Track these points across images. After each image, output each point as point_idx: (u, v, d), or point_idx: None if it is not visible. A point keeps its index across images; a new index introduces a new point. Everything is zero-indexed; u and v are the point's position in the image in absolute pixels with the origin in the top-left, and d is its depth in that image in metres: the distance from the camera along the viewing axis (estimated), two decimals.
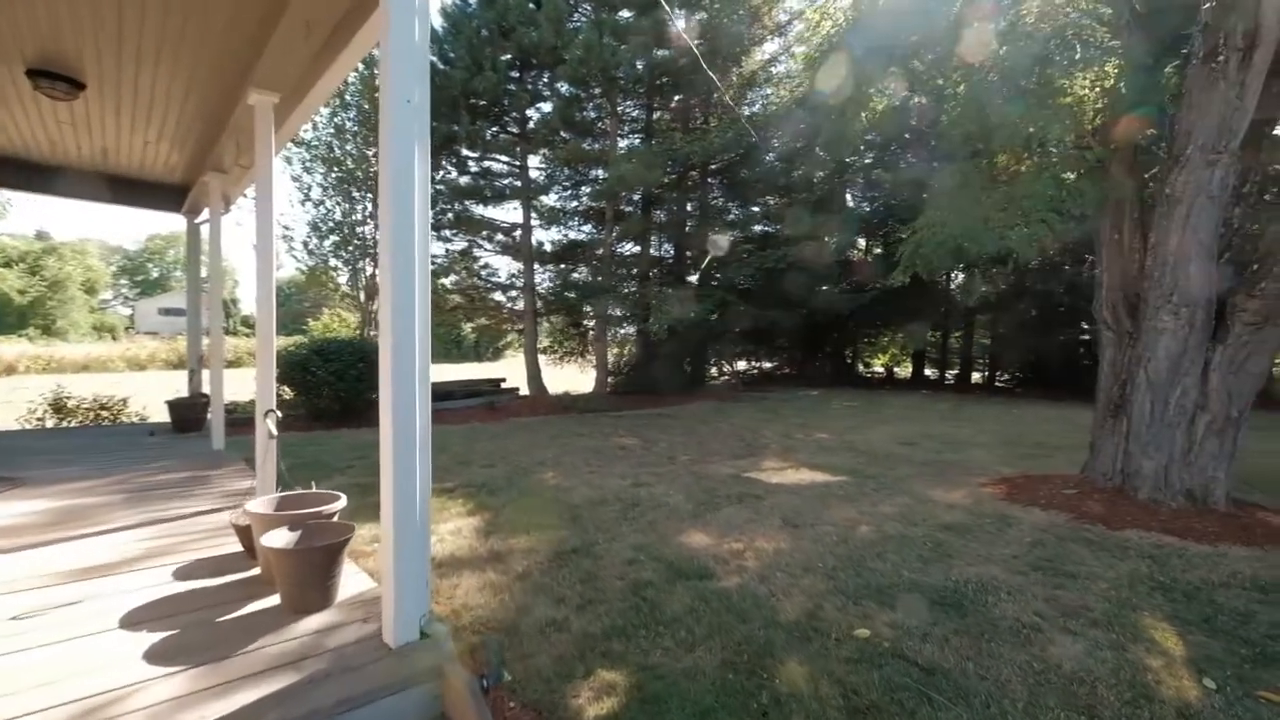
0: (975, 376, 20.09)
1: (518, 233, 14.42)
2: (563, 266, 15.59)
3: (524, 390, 14.10)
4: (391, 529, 1.87)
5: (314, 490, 2.65)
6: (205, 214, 7.08)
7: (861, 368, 22.88)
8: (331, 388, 9.01)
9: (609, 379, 14.92)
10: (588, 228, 16.29)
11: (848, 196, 20.78)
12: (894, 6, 6.32)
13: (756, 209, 17.22)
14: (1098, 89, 5.30)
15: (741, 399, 14.93)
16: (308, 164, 12.35)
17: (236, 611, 2.14)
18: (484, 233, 14.36)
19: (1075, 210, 5.56)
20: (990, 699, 2.33)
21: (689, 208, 16.58)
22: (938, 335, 21.09)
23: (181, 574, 2.56)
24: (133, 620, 2.14)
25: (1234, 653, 2.72)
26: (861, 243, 21.92)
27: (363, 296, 12.80)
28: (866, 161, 20.41)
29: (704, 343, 16.63)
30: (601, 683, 2.40)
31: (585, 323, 15.79)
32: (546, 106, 13.87)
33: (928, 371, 21.41)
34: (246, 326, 50.82)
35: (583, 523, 4.47)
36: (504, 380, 14.69)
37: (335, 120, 12.13)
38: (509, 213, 15.50)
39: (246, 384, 13.96)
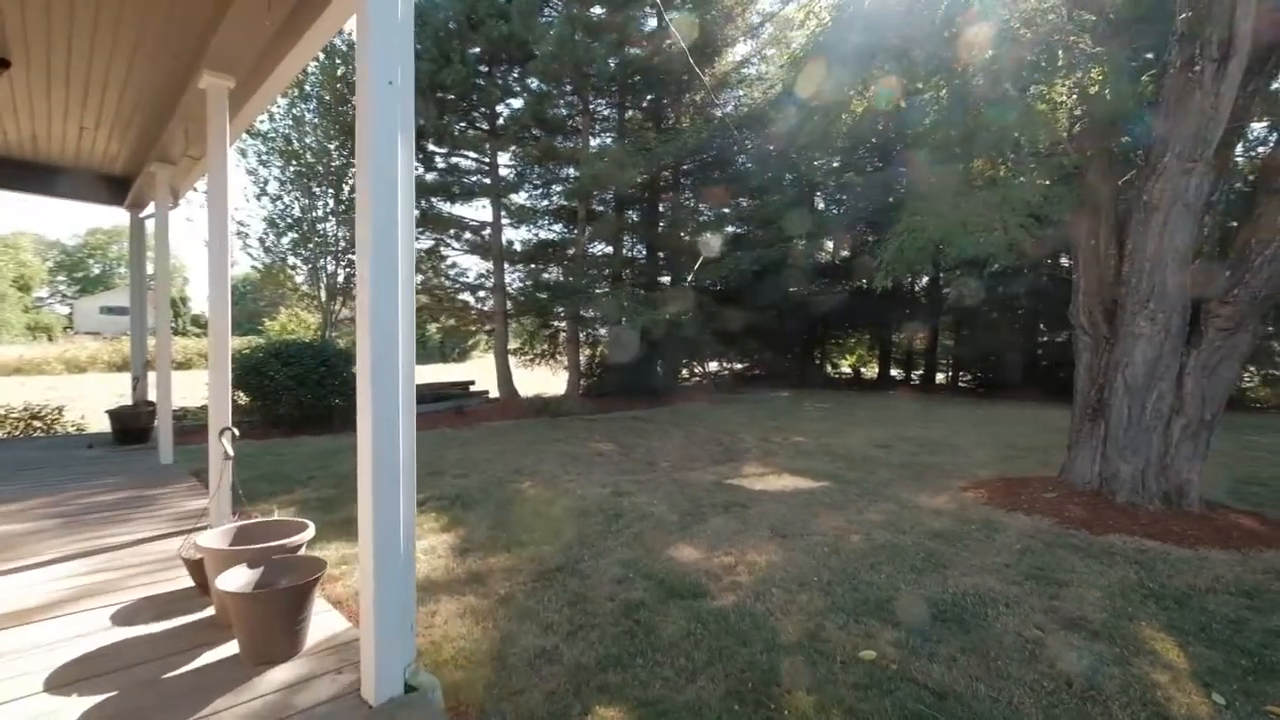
0: (939, 377, 20.54)
1: (487, 231, 14.04)
2: (533, 266, 15.26)
3: (494, 393, 13.74)
4: (371, 567, 1.64)
5: (277, 518, 2.37)
6: (150, 208, 6.59)
7: (830, 369, 23.17)
8: (291, 393, 8.54)
9: (581, 381, 14.68)
10: (558, 227, 16.00)
11: (817, 200, 21.03)
12: (880, 8, 6.30)
13: (728, 210, 17.22)
14: (1074, 96, 5.35)
15: (715, 401, 14.90)
16: (264, 156, 11.73)
17: (187, 665, 1.85)
18: (452, 231, 13.93)
19: (1052, 216, 5.62)
20: None
21: (661, 209, 16.46)
22: (903, 337, 21.50)
23: (122, 617, 2.23)
24: (61, 681, 1.82)
25: (1235, 664, 2.70)
26: (830, 245, 22.22)
27: (324, 296, 12.24)
28: (835, 165, 20.75)
29: (676, 344, 16.54)
30: None
31: (556, 324, 15.50)
32: (517, 102, 13.54)
33: (894, 372, 21.81)
34: (197, 326, 48.63)
35: (565, 537, 4.26)
36: (473, 383, 14.30)
37: (294, 111, 11.56)
38: (478, 211, 15.14)
39: (196, 388, 13.21)
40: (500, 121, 13.37)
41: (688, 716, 2.26)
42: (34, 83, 3.67)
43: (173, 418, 5.55)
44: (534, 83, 13.21)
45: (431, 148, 13.00)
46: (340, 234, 12.12)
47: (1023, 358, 17.43)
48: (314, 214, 11.81)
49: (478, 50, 12.16)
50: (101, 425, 8.43)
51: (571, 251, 14.78)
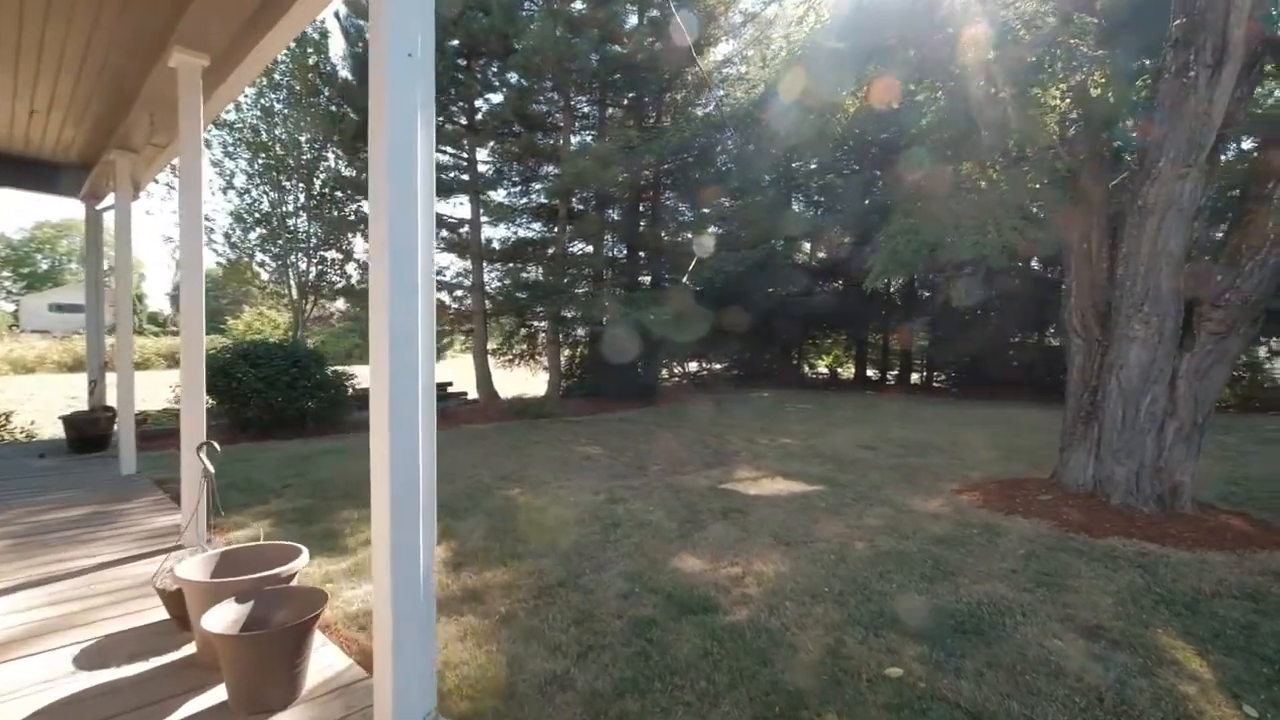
0: (914, 378, 20.84)
1: (464, 229, 13.71)
2: (513, 265, 14.97)
3: (473, 395, 13.42)
4: (389, 605, 1.44)
5: (265, 542, 2.14)
6: (109, 199, 6.17)
7: (807, 369, 23.34)
8: (261, 396, 8.14)
9: (561, 382, 14.44)
10: (538, 226, 15.73)
11: (797, 202, 21.16)
12: (878, 6, 6.26)
13: (708, 211, 17.16)
14: (1068, 100, 5.37)
15: (696, 402, 14.82)
16: (230, 148, 11.20)
17: (168, 717, 1.62)
18: None
19: (1045, 219, 5.65)
20: None
21: (642, 208, 16.32)
22: (879, 338, 21.77)
23: (88, 659, 1.95)
24: None
25: (1257, 672, 2.67)
26: (807, 247, 22.38)
27: (294, 294, 11.76)
28: (813, 167, 20.90)
29: (657, 345, 16.44)
30: None
31: (536, 324, 15.22)
32: (496, 97, 13.24)
33: (870, 373, 22.06)
34: (154, 324, 46.74)
35: (563, 549, 4.08)
36: (450, 384, 13.94)
37: (262, 102, 11.06)
38: (454, 208, 14.76)
39: (156, 390, 12.56)
40: (479, 117, 13.06)
41: None
42: None
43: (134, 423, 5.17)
44: (514, 77, 12.93)
45: None
46: (312, 230, 11.66)
47: (997, 359, 17.78)
48: (284, 209, 11.32)
49: (457, 43, 11.85)
50: (54, 431, 7.91)
51: (551, 250, 14.52)
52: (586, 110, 15.20)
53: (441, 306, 14.55)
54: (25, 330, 42.39)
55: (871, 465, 7.06)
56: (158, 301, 56.83)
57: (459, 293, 14.39)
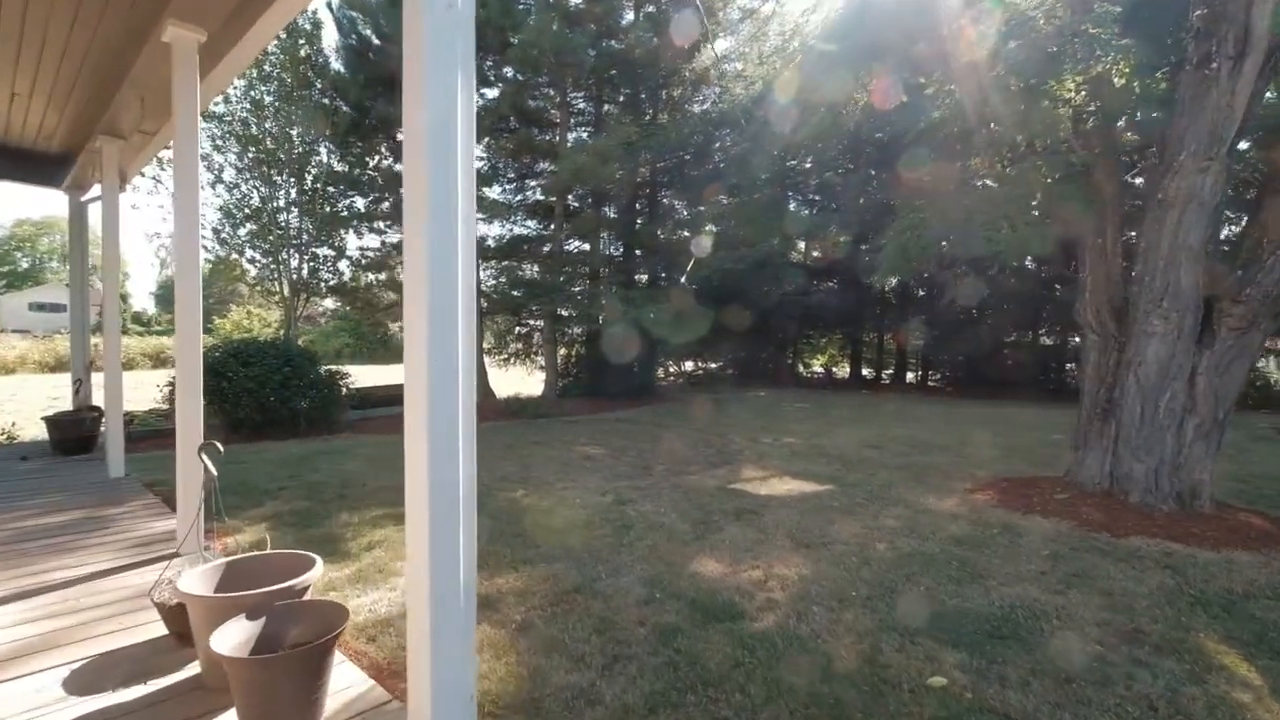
0: (909, 376, 20.87)
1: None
2: (507, 264, 14.77)
3: None
4: (428, 626, 1.29)
5: (273, 551, 1.97)
6: (95, 190, 5.93)
7: (801, 368, 23.30)
8: (253, 395, 7.91)
9: (558, 381, 14.26)
10: (532, 223, 15.55)
11: (794, 201, 21.09)
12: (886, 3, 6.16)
13: (704, 209, 17.05)
14: (1082, 93, 5.29)
15: (693, 401, 14.70)
16: (219, 141, 10.91)
17: None
18: None
19: (1058, 213, 5.57)
20: None
21: (638, 206, 16.17)
22: (873, 336, 21.77)
23: (81, 681, 1.75)
24: None
25: None
26: (802, 245, 22.33)
27: (286, 291, 11.49)
28: (808, 165, 20.85)
29: (653, 344, 16.31)
30: None
31: (532, 323, 15.03)
32: (492, 92, 13.04)
33: (864, 371, 22.06)
34: (139, 324, 45.95)
35: (575, 552, 3.93)
36: None
37: (252, 94, 10.78)
38: None
39: (142, 389, 12.25)
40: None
41: None
42: None
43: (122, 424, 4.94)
44: (509, 72, 12.75)
45: (401, 136, 12.40)
46: (304, 225, 11.40)
47: (992, 358, 17.80)
48: (274, 204, 11.06)
49: None
50: (36, 433, 7.64)
51: (548, 248, 14.34)
52: (582, 107, 15.03)
53: None
54: (5, 330, 41.50)
55: (878, 464, 6.96)
56: (141, 301, 55.92)
57: None
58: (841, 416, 11.75)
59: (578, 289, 13.88)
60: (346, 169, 11.57)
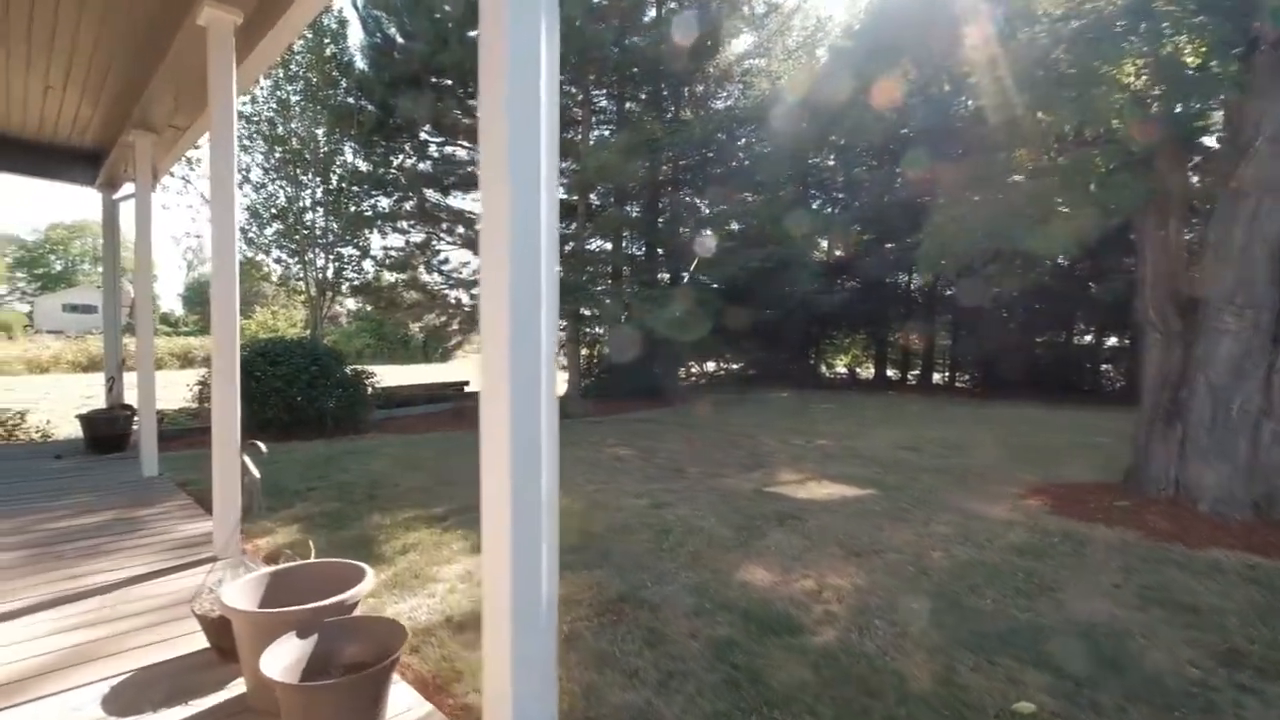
0: (936, 377, 20.41)
1: (479, 224, 13.42)
2: None
3: None
4: (509, 641, 1.14)
5: (319, 560, 1.84)
6: (126, 189, 5.92)
7: (825, 369, 22.95)
8: (280, 395, 7.89)
9: (581, 381, 14.15)
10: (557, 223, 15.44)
11: (817, 199, 20.78)
12: None
13: (727, 208, 16.82)
14: (1144, 77, 5.01)
15: (717, 402, 14.49)
16: (246, 141, 10.96)
17: None
18: (445, 225, 13.28)
19: (1112, 205, 5.29)
20: None
21: (661, 204, 16.00)
22: (898, 336, 21.34)
23: (121, 700, 1.62)
24: None
25: None
26: (825, 244, 21.97)
27: (312, 291, 11.51)
28: (831, 163, 20.50)
29: (676, 344, 16.14)
30: None
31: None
32: None
33: (889, 372, 21.65)
34: (166, 324, 46.88)
35: (615, 558, 3.77)
36: (467, 383, 13.70)
37: (279, 93, 10.82)
38: (470, 203, 14.48)
39: (171, 389, 12.36)
40: None
41: None
42: None
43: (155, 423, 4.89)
44: None
45: (425, 136, 12.38)
46: (329, 225, 11.41)
47: (1022, 359, 17.31)
48: (300, 204, 11.08)
49: (475, 32, 11.55)
50: (70, 431, 7.69)
51: (569, 248, 14.22)
52: (604, 104, 14.91)
53: (456, 305, 14.28)
54: (40, 330, 42.61)
55: (917, 467, 6.72)
56: (169, 302, 57.05)
57: (475, 290, 14.11)
58: (871, 418, 11.46)
59: (600, 288, 13.75)
60: (370, 168, 11.57)
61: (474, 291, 14.25)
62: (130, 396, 5.99)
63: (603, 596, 3.20)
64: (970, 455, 7.51)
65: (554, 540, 1.35)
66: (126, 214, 6.07)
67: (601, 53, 11.60)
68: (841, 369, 23.45)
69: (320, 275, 11.58)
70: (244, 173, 10.99)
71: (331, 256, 11.76)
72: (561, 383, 15.05)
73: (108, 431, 5.57)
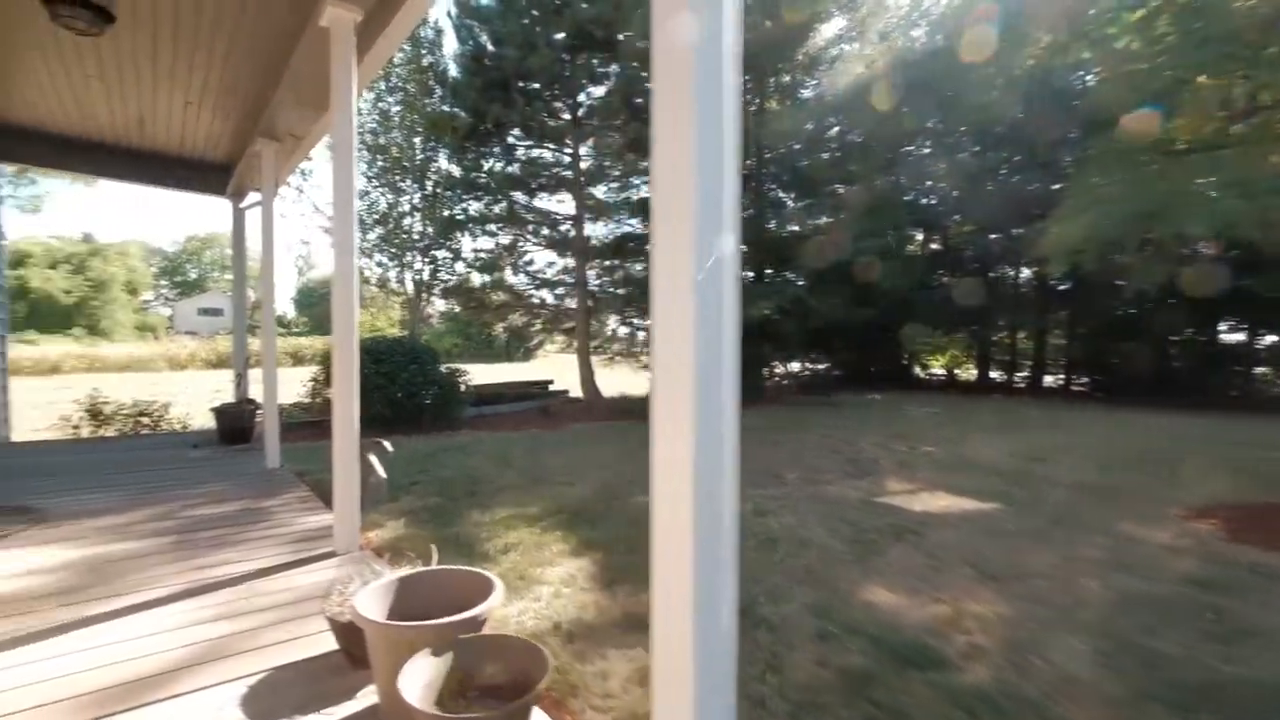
0: (1048, 379, 18.62)
1: (564, 225, 13.59)
2: (611, 262, 14.72)
3: (575, 393, 13.28)
4: (691, 685, 0.97)
5: (444, 566, 1.76)
6: (252, 197, 6.36)
7: (919, 369, 21.57)
8: (383, 391, 8.26)
9: None
10: (635, 221, 15.40)
11: (909, 191, 19.57)
12: None
13: (813, 200, 16.13)
14: None
15: (806, 404, 13.92)
16: None
17: None
18: (530, 226, 13.55)
19: None
20: None
21: (744, 198, 15.59)
22: (1005, 334, 19.68)
23: (256, 704, 1.62)
24: None
25: None
26: (919, 236, 20.65)
27: (411, 291, 12.09)
28: (926, 151, 19.20)
29: (760, 343, 15.67)
30: None
31: (635, 321, 14.88)
32: (598, 90, 13.02)
33: (993, 374, 20.00)
34: (280, 325, 51.32)
35: None
36: (551, 382, 13.91)
37: (380, 105, 11.43)
38: (555, 204, 14.71)
39: (286, 385, 13.37)
40: (581, 112, 12.88)
41: None
42: (139, 44, 3.29)
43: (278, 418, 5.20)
44: (615, 68, 12.65)
45: (513, 140, 12.67)
46: (425, 229, 11.93)
47: (1155, 360, 15.42)
48: (399, 209, 11.65)
49: (562, 35, 11.69)
50: (204, 422, 8.42)
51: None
52: None
53: (540, 305, 14.55)
54: (178, 331, 47.91)
55: (1046, 480, 6.03)
56: (282, 304, 62.53)
57: (559, 290, 14.32)
58: (980, 423, 10.56)
59: None
60: (463, 173, 11.98)
61: (557, 291, 14.48)
62: (254, 392, 6.44)
63: None
64: (1109, 469, 6.68)
65: (735, 563, 1.16)
66: (249, 222, 6.55)
67: None
68: (938, 370, 21.95)
69: (417, 277, 12.12)
70: None
71: (426, 259, 12.29)
72: (642, 383, 14.99)
73: (236, 424, 6.00)
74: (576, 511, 4.69)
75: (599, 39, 11.50)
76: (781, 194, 16.05)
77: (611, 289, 13.47)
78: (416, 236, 11.99)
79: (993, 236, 17.82)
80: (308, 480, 4.65)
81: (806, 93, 14.98)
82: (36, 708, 1.68)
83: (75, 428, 7.41)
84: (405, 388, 8.46)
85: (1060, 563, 3.73)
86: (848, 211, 14.81)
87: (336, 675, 1.75)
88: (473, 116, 11.12)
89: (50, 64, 3.63)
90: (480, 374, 15.92)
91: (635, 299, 12.58)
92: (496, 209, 12.63)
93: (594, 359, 14.95)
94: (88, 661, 1.92)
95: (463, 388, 9.80)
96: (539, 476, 5.95)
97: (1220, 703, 2.28)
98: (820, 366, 20.24)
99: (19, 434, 7.24)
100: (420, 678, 1.26)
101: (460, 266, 12.98)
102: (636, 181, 14.88)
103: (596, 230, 14.95)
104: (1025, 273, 18.94)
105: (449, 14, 11.18)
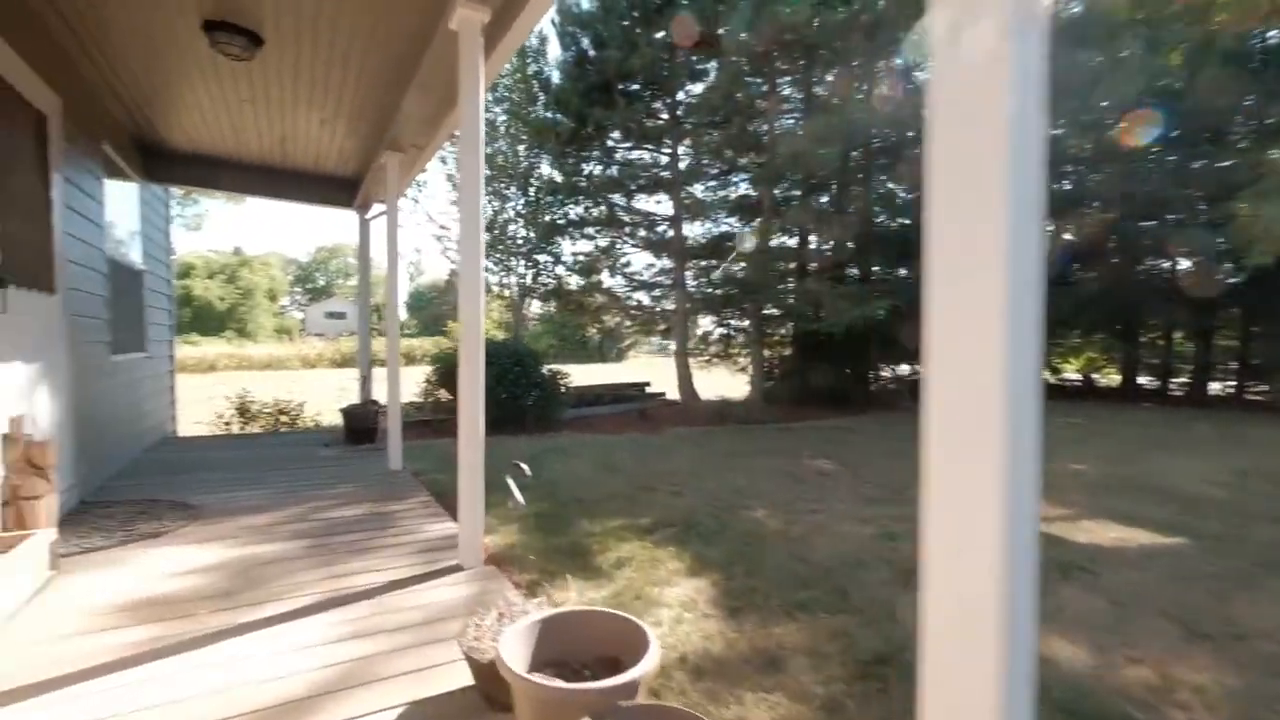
0: (1214, 386, 16.10)
1: (661, 226, 13.46)
2: (709, 263, 14.43)
3: (671, 395, 13.13)
4: None
5: (591, 608, 1.61)
6: (375, 209, 6.72)
7: (1049, 373, 19.43)
8: (490, 392, 8.44)
9: (764, 384, 13.53)
10: (733, 220, 15.01)
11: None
12: None
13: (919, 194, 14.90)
14: None
15: (916, 410, 12.85)
16: (460, 158, 12.24)
17: None
18: (628, 228, 13.56)
19: None
20: None
21: (852, 192, 14.73)
22: (1157, 335, 17.28)
23: None
24: None
25: None
26: (1050, 227, 18.59)
27: (515, 295, 12.48)
28: (1059, 131, 17.25)
29: (867, 344, 14.73)
30: None
31: (734, 323, 14.49)
32: (697, 88, 12.78)
33: (1140, 379, 17.62)
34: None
35: (857, 602, 3.20)
36: (648, 384, 13.84)
37: (487, 115, 11.89)
38: (653, 205, 14.65)
39: (402, 385, 14.28)
40: (679, 111, 12.70)
41: None
42: (284, 64, 3.48)
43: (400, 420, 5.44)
44: (713, 65, 12.35)
45: (612, 142, 12.72)
46: (528, 234, 12.27)
47: None
48: (504, 215, 12.05)
49: (661, 34, 11.57)
50: (332, 419, 9.08)
51: (753, 245, 13.68)
52: (789, 92, 14.10)
53: (636, 307, 14.53)
54: (308, 333, 53.17)
55: (1243, 511, 5.07)
56: (401, 309, 67.68)
57: (656, 292, 14.23)
58: (1139, 437, 9.24)
59: (784, 287, 13.01)
60: (564, 178, 12.20)
61: (655, 293, 14.39)
62: (377, 393, 6.81)
63: (857, 655, 2.67)
64: None
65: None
66: (372, 232, 6.93)
67: (794, 35, 10.87)
68: (1073, 374, 19.68)
69: (520, 281, 12.49)
70: (459, 189, 12.27)
71: (529, 263, 12.64)
72: (739, 385, 14.56)
73: (361, 425, 6.36)
74: (687, 524, 4.48)
75: (701, 35, 11.25)
76: (892, 186, 15.02)
77: (709, 289, 13.18)
78: (520, 241, 12.35)
79: (1142, 225, 15.72)
80: (424, 480, 4.79)
81: (921, 75, 13.89)
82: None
83: (227, 424, 8.22)
84: (510, 389, 8.66)
85: None
86: None
87: (474, 712, 1.64)
88: (575, 121, 11.27)
89: (210, 91, 3.96)
90: (576, 375, 16.22)
91: (734, 300, 12.21)
92: (595, 212, 12.75)
93: (691, 361, 14.73)
94: (240, 676, 1.97)
95: (563, 389, 9.92)
96: (644, 484, 5.80)
97: None
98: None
99: (183, 428, 8.15)
100: None
101: (560, 270, 13.26)
102: (736, 180, 14.49)
103: (693, 230, 14.75)
104: (1183, 264, 16.52)
105: (552, 21, 11.44)
